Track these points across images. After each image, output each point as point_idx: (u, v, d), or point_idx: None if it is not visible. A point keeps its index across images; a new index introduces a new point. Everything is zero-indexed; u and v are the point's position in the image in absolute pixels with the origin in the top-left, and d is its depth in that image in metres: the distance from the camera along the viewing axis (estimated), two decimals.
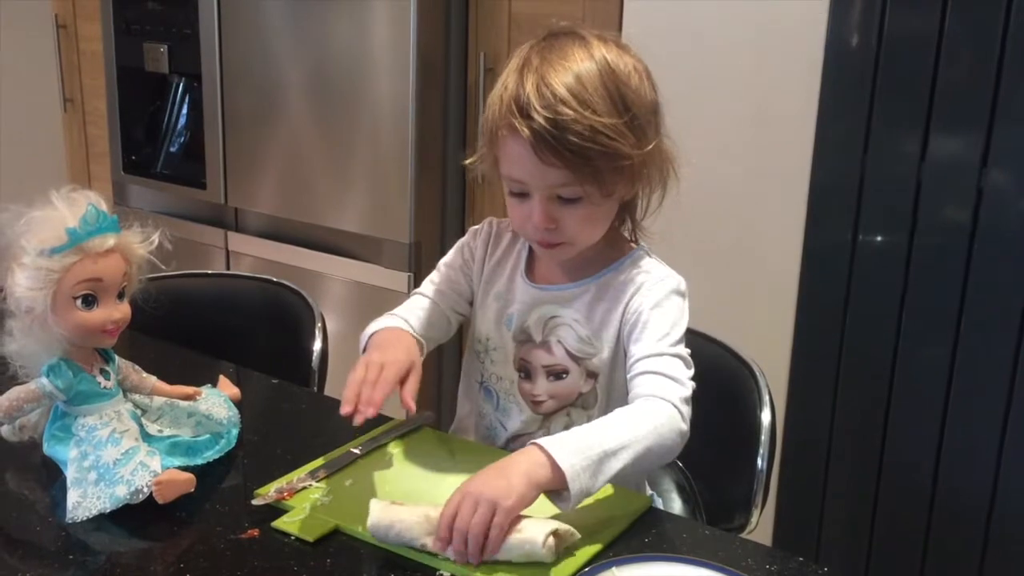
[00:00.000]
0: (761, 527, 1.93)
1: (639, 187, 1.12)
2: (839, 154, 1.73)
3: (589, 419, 1.10)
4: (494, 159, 1.11)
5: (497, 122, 1.07)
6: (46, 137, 3.12)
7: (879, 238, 1.72)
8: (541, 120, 1.01)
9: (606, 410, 1.13)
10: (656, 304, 1.12)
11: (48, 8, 3.01)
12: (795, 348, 1.84)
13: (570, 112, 1.02)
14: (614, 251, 1.18)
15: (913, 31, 1.63)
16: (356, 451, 1.13)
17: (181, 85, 2.67)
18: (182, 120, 2.70)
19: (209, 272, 1.83)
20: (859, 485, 1.84)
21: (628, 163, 1.06)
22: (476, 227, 1.27)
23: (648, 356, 1.08)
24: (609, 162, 1.04)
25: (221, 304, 1.75)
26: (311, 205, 2.44)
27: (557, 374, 1.17)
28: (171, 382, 1.15)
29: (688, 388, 1.07)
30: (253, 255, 2.56)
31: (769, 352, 1.83)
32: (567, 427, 1.15)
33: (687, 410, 1.05)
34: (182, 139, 2.71)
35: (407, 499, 1.02)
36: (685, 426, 1.05)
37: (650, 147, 1.08)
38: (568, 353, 1.16)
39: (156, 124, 2.73)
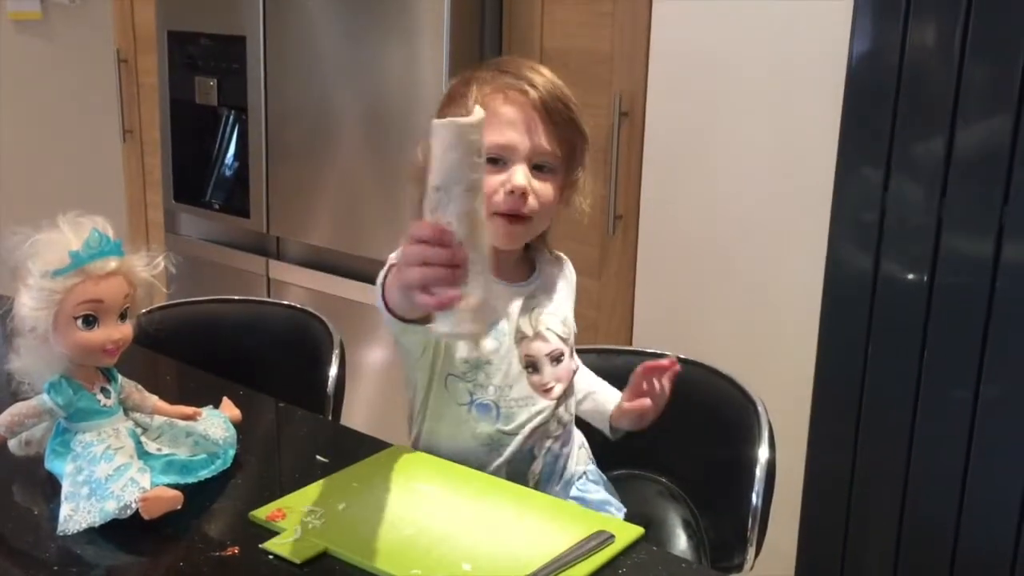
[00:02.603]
0: (785, 573, 1.90)
1: (565, 200, 1.25)
2: (860, 192, 1.72)
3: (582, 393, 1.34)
4: None
5: (487, 94, 1.18)
6: (107, 166, 3.24)
7: (899, 275, 1.69)
8: (545, 86, 1.18)
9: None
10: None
11: (111, 43, 3.14)
12: (816, 388, 1.82)
13: (561, 86, 1.20)
14: (529, 253, 1.30)
15: (933, 72, 1.62)
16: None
17: (230, 117, 2.75)
18: (231, 151, 2.78)
19: (236, 298, 1.87)
20: (882, 528, 1.79)
21: (584, 149, 1.22)
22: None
23: None
24: (578, 138, 1.21)
25: (248, 330, 1.80)
26: (353, 235, 2.48)
27: (557, 358, 1.26)
28: (186, 403, 1.18)
29: None
30: (293, 283, 2.62)
31: (789, 392, 1.81)
32: (567, 407, 1.28)
33: None
34: (230, 169, 2.79)
35: (402, 524, 1.04)
36: None
37: (587, 149, 1.23)
38: (559, 337, 1.27)
39: (207, 154, 2.82)
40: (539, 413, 1.24)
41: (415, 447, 1.27)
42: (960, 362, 1.66)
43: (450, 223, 0.86)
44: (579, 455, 1.33)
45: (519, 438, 1.24)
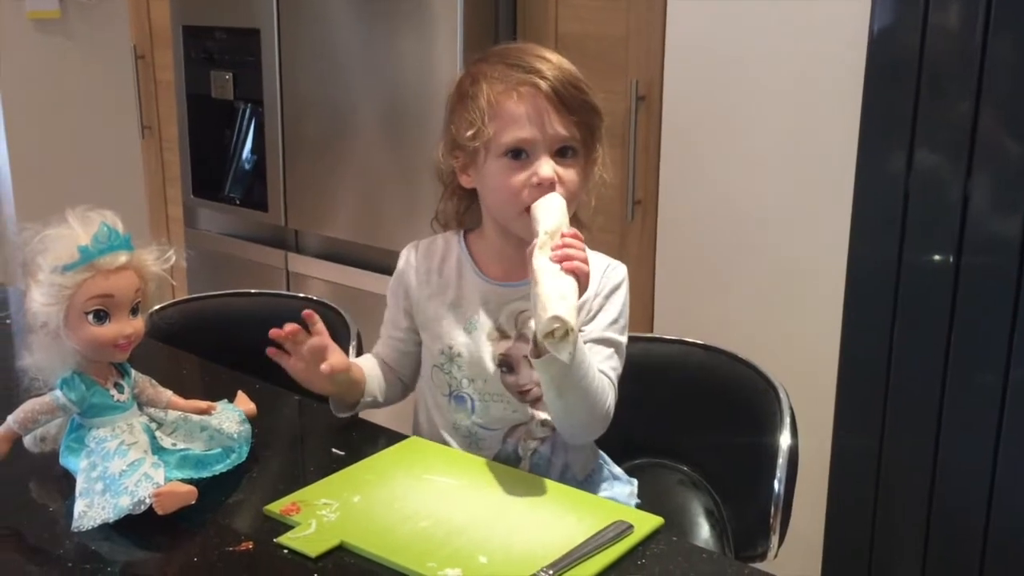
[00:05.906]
0: (811, 561, 1.88)
1: (589, 176, 1.24)
2: (883, 173, 1.69)
3: None
4: (486, 141, 1.18)
5: (499, 92, 1.18)
6: (126, 162, 3.25)
7: (924, 257, 1.66)
8: (555, 75, 1.17)
9: None
10: (609, 292, 1.24)
11: (127, 40, 3.14)
12: (841, 373, 1.79)
13: (570, 70, 1.19)
14: None
15: (955, 50, 1.59)
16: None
17: (247, 111, 2.75)
18: (248, 145, 2.78)
19: (251, 291, 1.87)
20: (910, 516, 1.77)
21: (600, 126, 1.22)
22: (398, 268, 1.34)
23: (597, 340, 1.20)
24: (594, 118, 1.21)
25: (264, 323, 1.78)
26: (371, 227, 2.47)
27: None
28: (203, 398, 1.18)
29: (616, 383, 1.21)
30: (312, 276, 2.62)
31: (814, 377, 1.79)
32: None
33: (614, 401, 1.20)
34: (248, 163, 2.79)
35: (417, 517, 1.03)
36: (612, 412, 1.19)
37: (603, 124, 1.23)
38: None
39: (225, 149, 2.82)
40: (515, 412, 1.24)
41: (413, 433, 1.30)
42: (987, 345, 1.62)
43: None
44: (584, 460, 1.29)
45: (496, 434, 1.24)
